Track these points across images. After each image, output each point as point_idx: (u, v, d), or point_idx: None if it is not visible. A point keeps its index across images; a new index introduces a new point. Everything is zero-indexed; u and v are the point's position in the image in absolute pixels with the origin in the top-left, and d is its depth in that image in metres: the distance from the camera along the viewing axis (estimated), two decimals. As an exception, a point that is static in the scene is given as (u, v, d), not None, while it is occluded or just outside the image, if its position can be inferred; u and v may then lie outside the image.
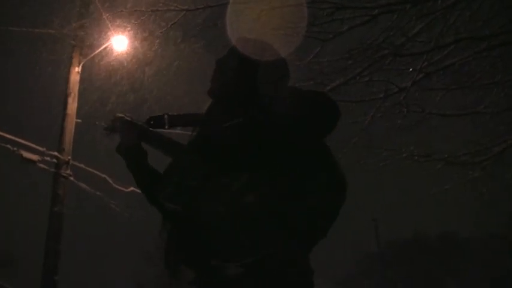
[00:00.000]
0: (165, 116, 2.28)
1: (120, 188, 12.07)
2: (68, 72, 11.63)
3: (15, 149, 10.45)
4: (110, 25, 10.07)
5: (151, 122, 2.30)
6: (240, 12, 6.95)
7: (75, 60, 11.67)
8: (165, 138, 2.31)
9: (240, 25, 7.03)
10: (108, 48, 11.75)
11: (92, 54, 11.79)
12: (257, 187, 1.87)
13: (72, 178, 11.20)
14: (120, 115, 2.36)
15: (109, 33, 10.97)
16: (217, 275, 1.89)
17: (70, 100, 11.44)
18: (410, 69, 7.30)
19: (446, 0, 6.54)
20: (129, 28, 8.40)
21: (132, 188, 12.19)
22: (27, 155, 10.58)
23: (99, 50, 11.72)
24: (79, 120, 11.64)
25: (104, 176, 11.89)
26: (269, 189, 1.86)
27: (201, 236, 1.92)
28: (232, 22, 6.98)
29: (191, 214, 1.96)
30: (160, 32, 7.39)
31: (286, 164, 1.89)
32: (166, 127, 2.28)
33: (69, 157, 11.20)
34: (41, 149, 10.95)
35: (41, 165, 10.86)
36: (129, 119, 2.33)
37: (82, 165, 11.58)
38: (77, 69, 11.62)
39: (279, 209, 1.84)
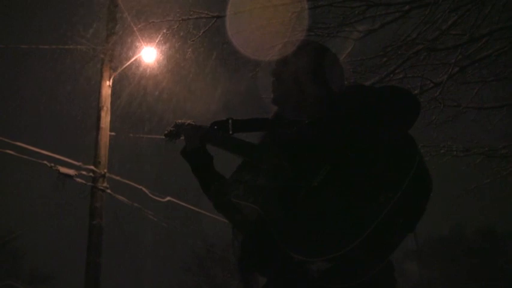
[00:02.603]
0: (230, 121, 2.27)
1: (157, 198, 12.12)
2: (100, 86, 11.74)
3: (52, 164, 10.58)
4: (139, 37, 10.14)
5: (215, 127, 2.29)
6: (268, 16, 6.93)
7: (105, 74, 11.77)
8: (230, 137, 2.28)
9: (269, 29, 7.01)
10: (138, 60, 11.83)
11: (123, 67, 11.89)
12: (336, 183, 1.84)
13: (109, 191, 11.28)
14: (182, 121, 2.37)
15: (139, 44, 11.04)
16: (300, 272, 1.86)
17: (103, 114, 11.54)
18: (445, 63, 7.19)
19: (478, -9, 6.44)
20: (159, 38, 8.42)
21: (168, 198, 12.24)
22: (64, 170, 10.69)
23: (129, 62, 11.81)
24: (113, 133, 11.73)
25: (140, 187, 11.97)
26: (347, 185, 1.84)
27: (280, 234, 1.87)
28: (260, 27, 6.96)
29: (265, 213, 1.93)
30: (192, 40, 7.39)
31: (363, 160, 1.86)
32: (230, 132, 2.26)
33: (105, 170, 11.29)
34: (77, 163, 11.07)
35: (78, 179, 10.97)
36: (192, 123, 2.34)
37: (118, 178, 11.67)
38: (108, 83, 11.71)
39: (359, 204, 1.80)
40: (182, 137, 2.37)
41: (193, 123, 2.35)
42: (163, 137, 2.43)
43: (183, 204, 12.80)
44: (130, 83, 12.32)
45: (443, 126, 8.56)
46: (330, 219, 1.81)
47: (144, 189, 12.08)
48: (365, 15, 6.67)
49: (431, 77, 7.39)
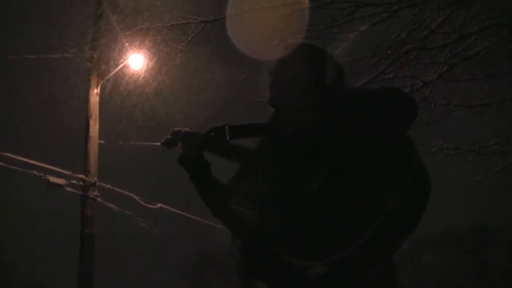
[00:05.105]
0: (226, 127, 2.24)
1: (148, 205, 12.06)
2: (87, 94, 11.67)
3: (41, 174, 10.50)
4: (127, 44, 10.08)
5: (212, 134, 2.26)
6: (259, 20, 6.91)
7: (93, 82, 11.71)
8: (228, 143, 2.26)
9: (260, 32, 7.00)
10: (126, 67, 11.76)
11: (110, 75, 11.82)
12: (334, 186, 1.82)
13: (100, 199, 11.21)
14: (179, 128, 2.35)
15: (127, 51, 10.97)
16: (299, 277, 1.86)
17: (92, 122, 11.49)
18: (434, 62, 7.20)
19: (466, -11, 6.46)
20: (148, 45, 8.37)
21: (159, 205, 12.19)
22: (54, 179, 10.62)
23: (117, 69, 11.74)
24: (102, 142, 11.67)
25: (131, 194, 11.91)
26: (347, 187, 1.82)
27: (279, 239, 1.87)
28: (252, 30, 6.95)
29: (263, 219, 1.92)
30: (181, 46, 7.36)
31: (362, 162, 1.84)
32: (228, 139, 2.24)
33: (95, 178, 11.23)
34: (66, 172, 10.99)
35: (69, 188, 10.90)
36: (189, 130, 2.32)
37: (109, 186, 11.60)
38: (95, 91, 11.65)
39: (359, 207, 1.79)
40: (179, 145, 2.34)
41: (190, 130, 2.33)
42: (159, 145, 2.41)
43: (175, 210, 12.77)
44: (119, 90, 12.26)
45: (434, 125, 8.56)
46: (328, 222, 1.80)
47: (134, 196, 12.03)
48: (353, 16, 6.67)
49: (421, 76, 7.39)
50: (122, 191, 11.95)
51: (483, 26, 6.65)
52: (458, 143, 9.19)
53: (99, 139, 11.61)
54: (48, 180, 10.61)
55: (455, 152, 9.07)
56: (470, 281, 33.94)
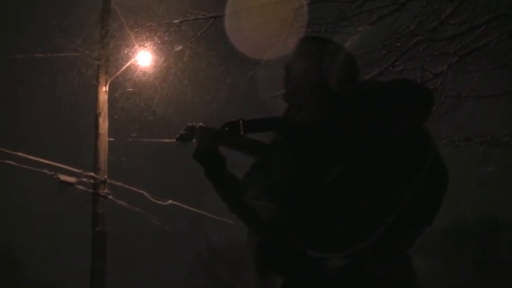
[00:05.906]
0: (240, 122, 2.24)
1: (158, 202, 12.10)
2: (96, 92, 11.69)
3: (52, 173, 10.54)
4: (135, 41, 10.07)
5: (226, 129, 2.27)
6: (266, 14, 6.90)
7: (102, 80, 11.74)
8: (242, 138, 2.28)
9: (268, 27, 6.99)
10: (134, 64, 11.77)
11: (118, 72, 11.83)
12: (350, 178, 1.83)
13: (110, 197, 11.26)
14: (193, 124, 2.35)
15: (135, 47, 10.96)
16: (316, 269, 1.87)
17: (101, 120, 11.53)
18: (444, 54, 7.16)
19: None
20: (156, 41, 8.36)
21: (170, 201, 12.22)
22: (65, 178, 10.66)
23: (125, 67, 11.75)
24: (111, 139, 11.70)
25: (141, 191, 11.94)
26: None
27: (296, 233, 1.88)
28: (259, 25, 6.94)
29: (279, 212, 1.92)
30: (190, 43, 7.35)
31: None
32: (242, 133, 2.24)
33: (106, 176, 11.27)
34: (77, 170, 11.04)
35: (79, 186, 10.95)
36: (203, 125, 2.32)
37: (119, 183, 11.65)
38: (104, 89, 11.68)
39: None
40: (194, 140, 2.34)
41: (204, 125, 2.33)
42: (174, 140, 2.41)
43: (185, 206, 12.80)
44: (127, 87, 12.27)
45: (444, 116, 8.51)
46: (346, 215, 1.80)
47: (145, 193, 12.07)
48: (362, 8, 6.64)
49: (430, 68, 7.35)
50: (132, 188, 12.01)
51: (492, 16, 6.61)
52: (469, 134, 9.14)
53: (109, 137, 11.65)
54: (59, 178, 10.66)
55: (466, 144, 9.02)
56: (471, 280, 33.63)
